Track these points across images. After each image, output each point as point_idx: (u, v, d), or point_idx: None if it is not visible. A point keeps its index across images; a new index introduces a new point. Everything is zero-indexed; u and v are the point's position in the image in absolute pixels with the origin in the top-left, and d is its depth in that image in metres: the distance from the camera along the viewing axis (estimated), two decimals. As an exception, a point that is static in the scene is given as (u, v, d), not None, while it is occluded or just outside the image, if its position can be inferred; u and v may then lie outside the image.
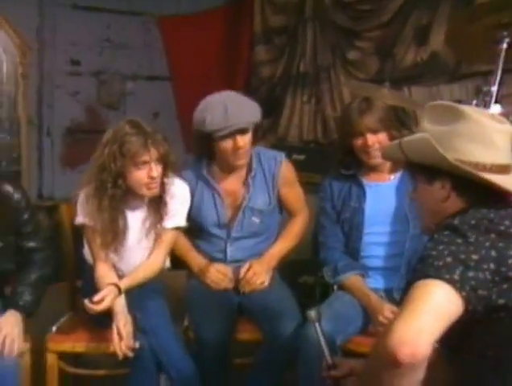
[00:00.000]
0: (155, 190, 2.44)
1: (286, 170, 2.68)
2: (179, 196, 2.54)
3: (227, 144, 2.48)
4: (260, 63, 4.55)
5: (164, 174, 2.46)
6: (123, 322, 2.29)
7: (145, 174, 2.38)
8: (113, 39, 4.96)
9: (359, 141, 2.47)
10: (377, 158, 2.48)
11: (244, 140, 2.48)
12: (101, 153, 2.39)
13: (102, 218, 2.42)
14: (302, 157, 3.77)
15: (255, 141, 2.58)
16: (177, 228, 2.56)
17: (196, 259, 2.67)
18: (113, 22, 4.94)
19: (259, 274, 2.58)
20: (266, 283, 2.59)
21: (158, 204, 2.49)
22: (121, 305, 2.35)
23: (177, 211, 2.53)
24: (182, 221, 2.56)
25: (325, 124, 4.21)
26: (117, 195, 2.40)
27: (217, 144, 2.50)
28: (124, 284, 2.40)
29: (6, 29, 4.36)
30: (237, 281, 2.60)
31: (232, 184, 2.65)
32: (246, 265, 2.60)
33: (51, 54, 4.76)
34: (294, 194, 2.73)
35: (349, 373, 1.73)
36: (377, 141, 2.45)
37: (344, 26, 4.11)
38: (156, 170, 2.39)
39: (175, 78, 4.89)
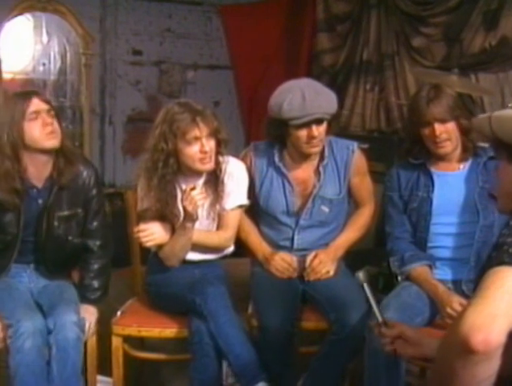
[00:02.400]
0: (210, 165, 2.45)
1: (358, 160, 2.64)
2: (236, 175, 2.54)
3: (301, 132, 2.46)
4: (322, 51, 4.50)
5: (218, 152, 2.47)
6: None
7: (197, 149, 2.40)
8: (174, 29, 5.00)
9: (426, 131, 2.42)
10: (445, 148, 2.43)
11: (319, 130, 2.46)
12: (152, 136, 2.42)
13: (150, 197, 2.44)
14: (365, 146, 3.73)
15: (330, 130, 2.55)
16: (239, 207, 2.56)
17: (260, 246, 2.65)
18: (175, 12, 4.97)
19: (325, 263, 2.55)
20: (332, 272, 2.57)
21: (215, 184, 2.49)
22: None
23: (236, 190, 2.53)
24: (243, 199, 2.56)
25: (389, 112, 4.14)
26: (167, 174, 2.43)
27: (291, 131, 2.48)
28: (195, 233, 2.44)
29: (69, 20, 4.45)
30: (302, 269, 2.58)
31: (303, 172, 2.62)
32: (312, 254, 2.58)
33: (114, 44, 4.84)
34: (364, 184, 2.69)
35: (399, 335, 1.74)
36: (444, 130, 2.39)
37: (409, 12, 4.02)
38: (208, 144, 2.41)
39: (236, 67, 4.89)
